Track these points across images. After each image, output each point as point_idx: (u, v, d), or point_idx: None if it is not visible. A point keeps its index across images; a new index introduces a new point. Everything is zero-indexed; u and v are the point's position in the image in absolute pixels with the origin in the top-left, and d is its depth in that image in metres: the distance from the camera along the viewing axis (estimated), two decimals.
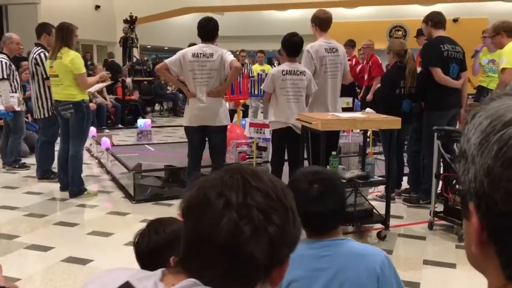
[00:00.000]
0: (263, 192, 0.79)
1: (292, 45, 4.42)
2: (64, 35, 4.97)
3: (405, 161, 5.21)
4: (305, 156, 4.54)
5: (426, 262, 3.56)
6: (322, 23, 4.59)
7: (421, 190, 4.88)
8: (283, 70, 4.37)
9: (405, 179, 5.24)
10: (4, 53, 6.24)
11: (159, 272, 0.82)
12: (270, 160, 4.66)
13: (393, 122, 3.98)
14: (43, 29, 5.70)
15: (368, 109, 4.65)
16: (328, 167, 3.91)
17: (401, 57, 4.94)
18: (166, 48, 20.23)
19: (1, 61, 6.04)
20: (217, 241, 0.76)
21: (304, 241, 1.58)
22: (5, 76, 6.06)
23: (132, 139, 8.80)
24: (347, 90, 8.33)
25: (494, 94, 0.58)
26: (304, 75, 4.38)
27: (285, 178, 4.50)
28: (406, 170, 5.21)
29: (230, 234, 0.75)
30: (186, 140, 4.71)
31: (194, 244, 0.80)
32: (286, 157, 4.64)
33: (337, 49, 4.61)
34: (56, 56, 4.96)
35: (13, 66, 6.22)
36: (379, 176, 4.18)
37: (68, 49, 4.97)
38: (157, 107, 14.22)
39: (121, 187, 5.55)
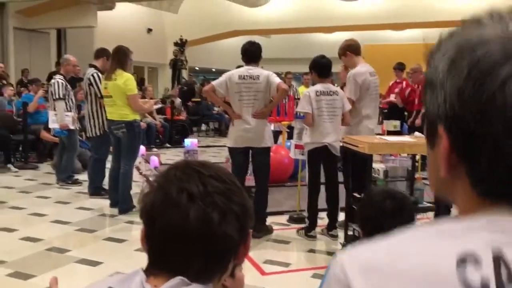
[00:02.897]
0: (217, 178, 0.84)
1: (322, 67, 4.51)
2: (120, 57, 5.17)
3: None
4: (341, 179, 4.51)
5: None
6: (356, 49, 4.72)
7: None
8: (317, 91, 4.41)
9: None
10: (61, 74, 6.56)
11: (140, 271, 0.84)
12: (307, 181, 4.61)
13: None
14: (103, 52, 5.92)
15: (416, 133, 4.55)
16: None
17: None
18: (213, 69, 20.66)
19: (58, 82, 6.36)
20: (190, 233, 0.80)
21: None
22: (61, 96, 6.36)
23: (179, 158, 8.97)
24: (395, 113, 8.24)
25: (453, 30, 0.57)
26: (337, 95, 4.44)
27: (321, 199, 4.48)
28: None
29: (201, 223, 0.80)
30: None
31: (167, 244, 0.83)
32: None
33: (375, 72, 4.74)
34: (110, 77, 5.16)
35: (69, 87, 6.52)
36: (428, 202, 4.05)
37: (122, 71, 5.15)
38: (203, 127, 14.48)
39: None
